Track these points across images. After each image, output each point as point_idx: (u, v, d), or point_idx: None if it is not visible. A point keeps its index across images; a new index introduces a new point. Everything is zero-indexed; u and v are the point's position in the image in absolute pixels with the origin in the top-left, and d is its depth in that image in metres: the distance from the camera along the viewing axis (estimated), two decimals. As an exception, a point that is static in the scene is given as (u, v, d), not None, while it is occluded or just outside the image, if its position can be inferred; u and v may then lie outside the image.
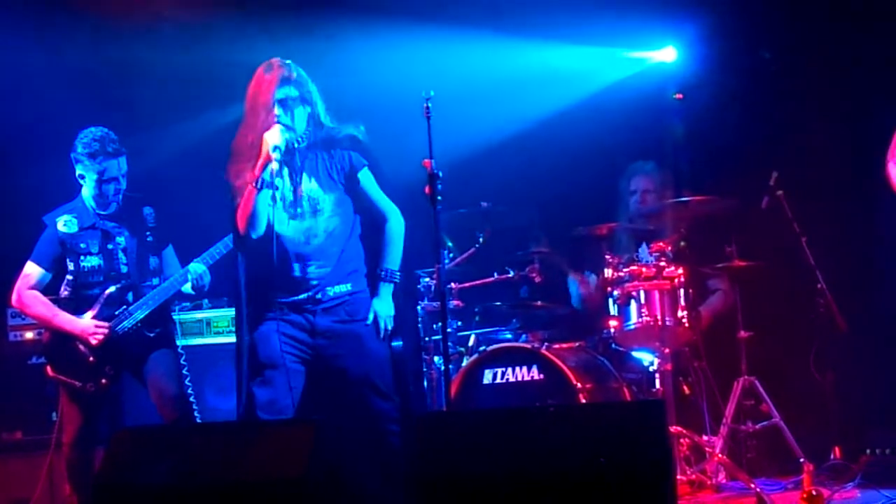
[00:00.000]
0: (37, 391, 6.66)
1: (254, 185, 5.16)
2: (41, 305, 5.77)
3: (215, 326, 6.99)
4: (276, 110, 5.19)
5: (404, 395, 5.39)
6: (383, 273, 5.37)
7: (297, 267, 5.26)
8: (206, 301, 6.94)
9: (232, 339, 6.72)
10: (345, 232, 5.33)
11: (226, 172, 5.30)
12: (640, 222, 6.86)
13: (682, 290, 6.26)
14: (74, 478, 5.78)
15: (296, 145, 5.25)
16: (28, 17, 6.97)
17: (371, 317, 5.30)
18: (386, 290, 5.36)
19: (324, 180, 5.31)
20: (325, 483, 4.32)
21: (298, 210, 5.27)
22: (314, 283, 5.27)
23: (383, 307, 5.34)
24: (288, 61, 5.28)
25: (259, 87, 5.24)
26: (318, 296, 5.28)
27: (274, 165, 5.14)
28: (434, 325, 6.71)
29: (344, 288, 5.31)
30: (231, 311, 6.82)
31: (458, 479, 4.15)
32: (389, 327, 5.36)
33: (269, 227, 5.23)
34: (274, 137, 5.14)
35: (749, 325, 6.40)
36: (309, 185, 5.30)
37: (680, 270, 6.26)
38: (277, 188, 5.23)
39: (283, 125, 5.18)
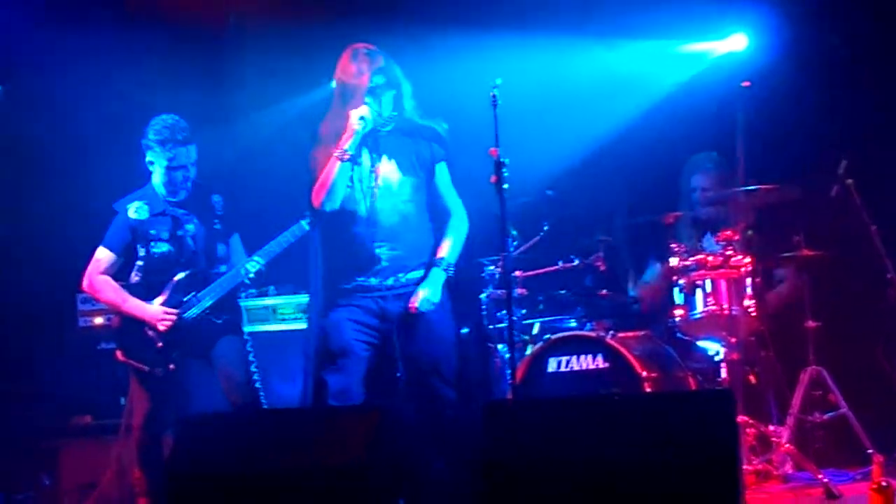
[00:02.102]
0: (106, 376, 6.74)
1: (338, 155, 5.20)
2: (111, 290, 5.84)
3: (281, 313, 7.03)
4: (366, 99, 5.26)
5: (469, 383, 5.41)
6: (438, 261, 5.38)
7: (369, 247, 5.30)
8: (271, 288, 6.99)
9: (297, 325, 6.82)
10: (419, 219, 5.38)
11: (310, 158, 5.36)
12: (705, 213, 6.82)
13: (748, 280, 6.21)
14: (143, 462, 5.84)
15: (380, 125, 5.30)
16: (108, 16, 7.07)
17: (414, 297, 5.29)
18: (436, 277, 5.36)
19: (404, 164, 5.36)
20: (389, 469, 4.34)
21: (375, 190, 5.31)
22: (385, 264, 5.31)
23: (428, 292, 5.31)
24: (373, 47, 5.34)
25: (348, 76, 5.31)
26: (391, 281, 5.32)
27: (357, 126, 5.17)
28: (498, 313, 6.72)
29: (417, 275, 5.36)
30: (296, 298, 6.91)
31: (524, 466, 4.16)
32: (422, 309, 5.33)
33: (344, 205, 5.28)
34: (361, 110, 5.22)
35: (817, 315, 6.33)
36: (388, 167, 5.35)
37: (747, 259, 6.20)
38: (360, 164, 5.27)
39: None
